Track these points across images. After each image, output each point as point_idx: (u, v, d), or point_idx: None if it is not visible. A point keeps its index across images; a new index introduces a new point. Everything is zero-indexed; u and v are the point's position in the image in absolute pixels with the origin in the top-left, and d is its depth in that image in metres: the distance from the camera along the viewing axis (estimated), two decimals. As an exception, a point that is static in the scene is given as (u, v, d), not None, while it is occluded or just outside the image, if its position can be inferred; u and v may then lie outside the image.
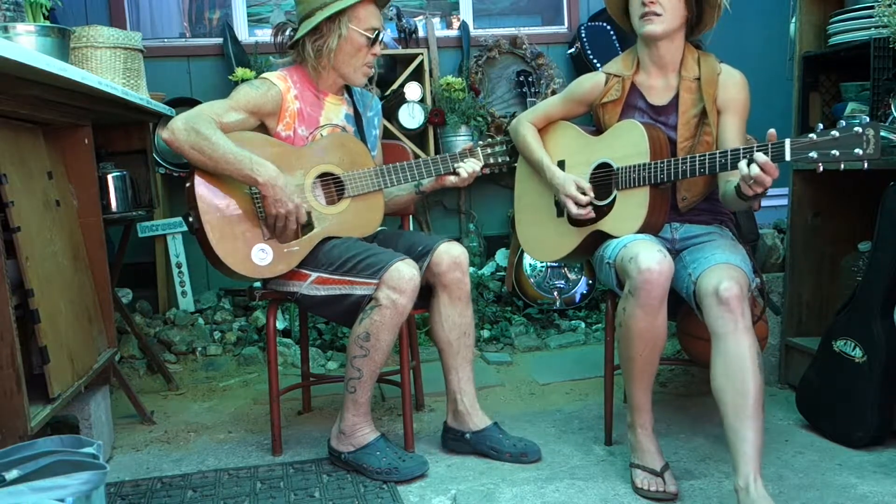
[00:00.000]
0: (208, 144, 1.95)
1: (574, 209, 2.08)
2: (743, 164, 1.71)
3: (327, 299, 2.04)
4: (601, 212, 2.07)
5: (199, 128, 1.95)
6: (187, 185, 2.04)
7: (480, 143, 2.25)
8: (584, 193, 2.07)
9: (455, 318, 2.12)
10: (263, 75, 2.16)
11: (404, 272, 1.95)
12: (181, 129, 1.96)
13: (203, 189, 2.01)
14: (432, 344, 2.22)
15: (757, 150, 1.70)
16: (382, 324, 1.96)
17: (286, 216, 2.00)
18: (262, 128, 2.12)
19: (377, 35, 2.13)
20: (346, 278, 2.01)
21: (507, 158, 2.26)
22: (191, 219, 2.02)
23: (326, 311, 2.11)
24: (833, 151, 1.63)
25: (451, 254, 2.09)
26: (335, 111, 2.22)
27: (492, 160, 2.23)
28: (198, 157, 1.97)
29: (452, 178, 2.18)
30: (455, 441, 2.17)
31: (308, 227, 2.08)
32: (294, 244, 2.07)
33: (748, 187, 1.71)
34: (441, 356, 2.17)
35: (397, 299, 1.95)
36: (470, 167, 2.17)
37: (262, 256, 2.04)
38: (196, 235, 2.04)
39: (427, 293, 2.14)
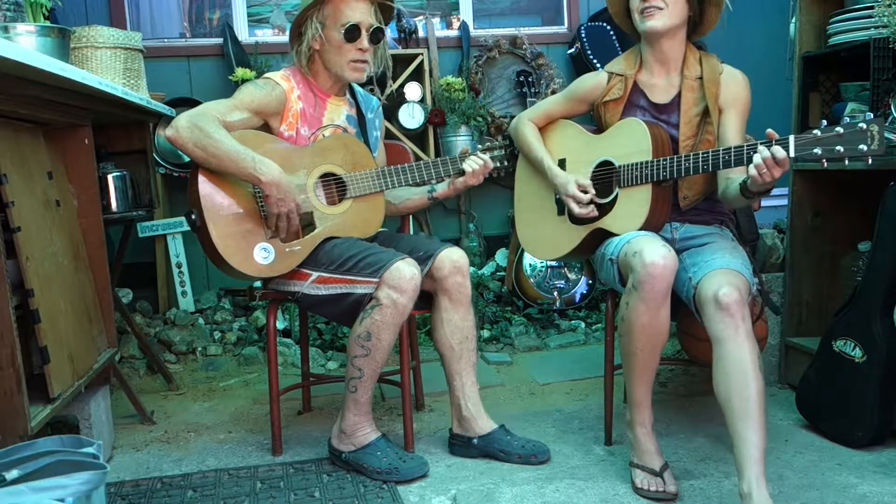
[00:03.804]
0: (212, 142, 1.95)
1: (576, 209, 2.08)
2: (762, 151, 1.69)
3: (328, 298, 2.04)
4: (603, 210, 2.07)
5: (203, 125, 1.95)
6: (190, 183, 2.03)
7: (479, 147, 2.25)
8: (585, 192, 2.07)
9: (457, 322, 2.12)
10: (267, 75, 2.16)
11: (405, 271, 1.95)
12: (185, 126, 1.96)
13: (206, 187, 2.01)
14: (433, 344, 2.22)
15: (761, 146, 1.70)
16: (383, 323, 1.96)
17: (288, 216, 2.00)
18: (266, 127, 2.12)
19: (350, 28, 2.08)
20: (346, 277, 2.00)
21: (506, 164, 2.26)
22: (193, 217, 2.02)
23: (327, 311, 2.11)
24: (837, 147, 1.62)
25: (451, 258, 2.09)
26: (337, 112, 2.22)
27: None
28: (201, 154, 1.96)
29: (461, 178, 2.19)
30: (463, 447, 2.16)
31: (310, 226, 2.08)
32: (296, 244, 2.07)
33: (760, 176, 1.69)
34: (443, 361, 2.17)
35: (398, 298, 1.95)
36: (475, 163, 2.18)
37: (264, 255, 2.04)
38: (198, 234, 2.04)
39: (427, 295, 2.14)
